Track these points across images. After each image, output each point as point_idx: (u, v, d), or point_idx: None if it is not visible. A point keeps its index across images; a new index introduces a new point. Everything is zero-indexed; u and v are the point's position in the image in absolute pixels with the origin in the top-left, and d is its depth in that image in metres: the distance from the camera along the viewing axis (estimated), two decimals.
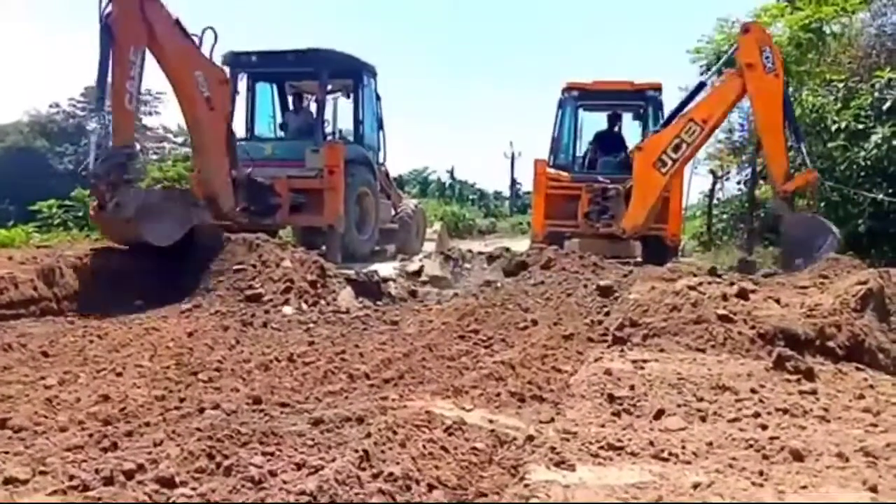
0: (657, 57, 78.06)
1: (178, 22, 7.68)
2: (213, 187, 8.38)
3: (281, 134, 11.71)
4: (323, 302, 6.50)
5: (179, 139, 33.90)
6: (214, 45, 8.05)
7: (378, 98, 11.88)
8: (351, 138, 11.63)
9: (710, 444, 2.62)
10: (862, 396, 3.29)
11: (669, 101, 9.46)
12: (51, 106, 39.56)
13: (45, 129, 36.52)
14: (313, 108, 11.59)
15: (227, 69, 9.92)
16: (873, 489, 2.21)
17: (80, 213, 14.54)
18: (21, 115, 38.67)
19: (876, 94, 11.54)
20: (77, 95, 38.36)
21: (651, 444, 2.60)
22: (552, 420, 3.06)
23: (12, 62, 66.31)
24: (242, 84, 11.15)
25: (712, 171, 19.70)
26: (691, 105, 9.65)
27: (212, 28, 7.98)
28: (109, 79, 7.09)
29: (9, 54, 69.08)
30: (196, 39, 7.94)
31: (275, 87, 11.89)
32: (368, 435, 2.66)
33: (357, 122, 11.54)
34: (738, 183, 18.88)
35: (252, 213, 9.16)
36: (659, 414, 2.97)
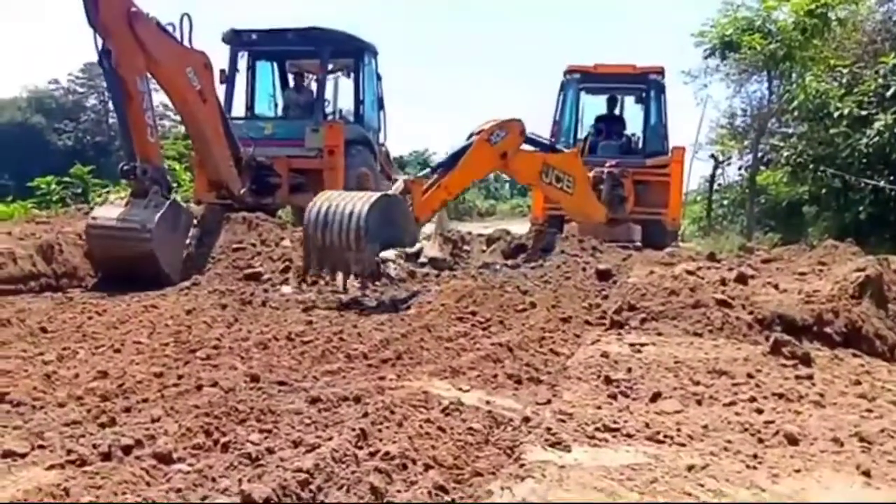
0: (661, 41, 77.55)
1: (157, 24, 7.32)
2: (221, 175, 8.35)
3: (281, 113, 11.64)
4: (322, 282, 6.50)
5: (179, 117, 33.71)
6: (191, 31, 7.79)
7: (379, 78, 11.78)
8: (351, 118, 11.55)
9: (706, 427, 2.64)
10: (858, 382, 3.30)
11: (672, 86, 9.30)
12: (50, 82, 39.40)
13: (43, 106, 36.35)
14: (314, 87, 11.50)
15: (227, 47, 9.83)
16: (867, 473, 2.23)
17: (79, 190, 14.57)
18: (20, 90, 38.53)
19: (880, 80, 11.47)
20: (76, 72, 38.22)
21: (647, 426, 2.62)
22: (549, 402, 3.07)
23: (11, 37, 65.86)
24: (243, 62, 11.06)
25: (713, 156, 19.69)
26: None
27: (187, 14, 7.73)
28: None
29: (8, 29, 68.61)
30: (172, 28, 7.58)
31: (275, 65, 11.78)
32: (366, 414, 2.67)
33: (357, 101, 11.45)
34: (739, 168, 18.87)
35: (253, 193, 9.12)
36: (655, 397, 2.99)
